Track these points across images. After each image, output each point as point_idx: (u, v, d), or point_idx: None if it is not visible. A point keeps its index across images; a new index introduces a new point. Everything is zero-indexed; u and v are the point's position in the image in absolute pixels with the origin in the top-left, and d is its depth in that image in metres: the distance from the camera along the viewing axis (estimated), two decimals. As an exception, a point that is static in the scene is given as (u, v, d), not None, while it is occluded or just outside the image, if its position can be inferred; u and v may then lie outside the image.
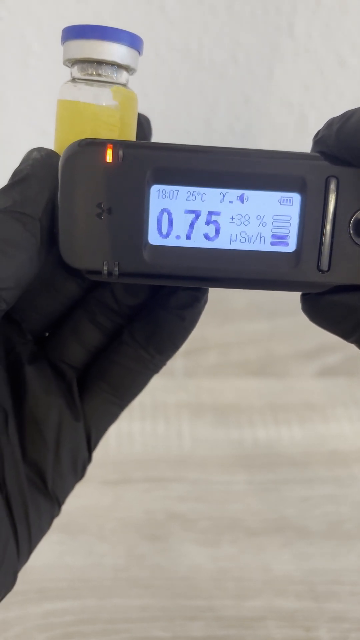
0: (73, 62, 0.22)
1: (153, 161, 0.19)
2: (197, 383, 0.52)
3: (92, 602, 0.36)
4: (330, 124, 0.19)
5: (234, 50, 0.49)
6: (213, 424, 0.48)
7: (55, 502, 0.24)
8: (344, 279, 0.20)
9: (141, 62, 0.50)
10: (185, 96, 0.51)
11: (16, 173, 0.20)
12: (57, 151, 0.22)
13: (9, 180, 0.20)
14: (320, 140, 0.19)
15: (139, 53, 0.23)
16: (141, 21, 0.47)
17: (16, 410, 0.23)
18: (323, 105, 0.52)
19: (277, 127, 0.53)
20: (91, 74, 0.22)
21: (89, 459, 0.25)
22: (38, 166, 0.20)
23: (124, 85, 0.23)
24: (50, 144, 0.23)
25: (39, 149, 0.21)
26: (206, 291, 0.22)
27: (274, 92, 0.51)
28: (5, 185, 0.20)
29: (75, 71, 0.22)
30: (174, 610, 0.36)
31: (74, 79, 0.22)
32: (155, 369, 0.24)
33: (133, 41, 0.22)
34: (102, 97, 0.22)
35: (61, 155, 0.19)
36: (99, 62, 0.22)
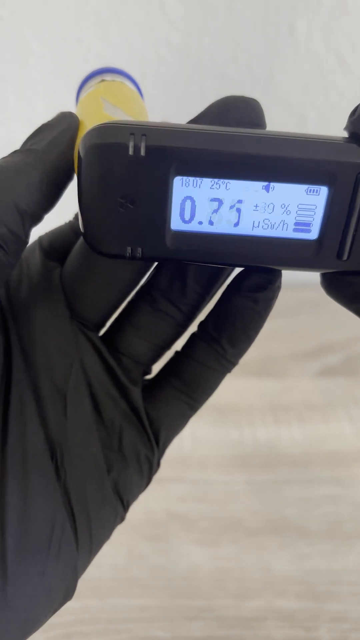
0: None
1: (176, 155, 0.18)
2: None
3: (92, 602, 0.36)
4: None
5: (234, 50, 0.49)
6: (213, 424, 0.48)
7: (118, 500, 0.22)
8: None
9: (141, 62, 0.50)
10: (185, 96, 0.51)
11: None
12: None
13: None
14: (357, 120, 0.19)
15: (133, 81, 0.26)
16: (141, 21, 0.47)
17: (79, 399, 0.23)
18: (323, 105, 0.52)
19: (277, 127, 0.53)
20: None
21: (157, 463, 0.24)
22: (54, 119, 0.21)
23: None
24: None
25: (62, 112, 0.22)
26: (280, 275, 0.22)
27: (274, 92, 0.51)
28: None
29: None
30: (174, 610, 0.36)
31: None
32: (228, 365, 0.23)
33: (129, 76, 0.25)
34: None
35: (80, 141, 0.19)
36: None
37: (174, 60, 0.49)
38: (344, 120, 0.19)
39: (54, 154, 0.20)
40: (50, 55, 0.48)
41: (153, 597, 0.37)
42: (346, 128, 0.19)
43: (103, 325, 0.24)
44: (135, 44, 0.48)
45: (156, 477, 0.25)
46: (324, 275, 0.21)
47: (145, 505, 0.41)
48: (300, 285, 0.55)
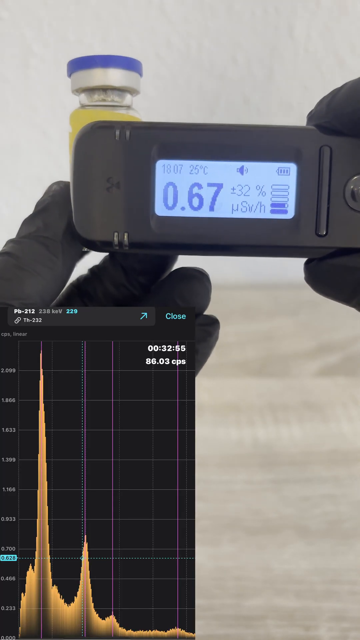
0: (81, 91, 0.24)
1: (158, 138, 0.20)
2: (197, 383, 0.51)
3: (92, 601, 0.36)
4: (321, 101, 0.20)
5: (234, 51, 0.49)
6: (213, 423, 0.48)
7: None
8: (342, 242, 0.21)
9: (141, 63, 0.50)
10: (185, 96, 0.51)
11: (39, 204, 0.22)
12: None
13: (33, 210, 0.22)
14: (313, 115, 0.21)
15: (140, 75, 0.25)
16: (141, 22, 0.47)
17: None
18: (322, 105, 0.52)
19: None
20: (96, 100, 0.24)
21: None
22: (58, 196, 0.22)
23: (127, 107, 0.25)
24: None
25: (58, 182, 0.23)
26: (218, 327, 0.23)
27: (273, 93, 0.51)
28: (29, 215, 0.22)
29: (83, 98, 0.24)
30: (174, 609, 0.36)
31: (82, 106, 0.24)
32: None
33: (133, 66, 0.24)
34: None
35: (74, 136, 0.21)
36: (103, 89, 0.24)
37: (174, 61, 0.49)
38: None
39: (72, 242, 0.21)
40: (51, 55, 0.48)
41: (153, 596, 0.37)
42: (306, 124, 0.21)
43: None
44: (136, 45, 0.48)
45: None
46: (308, 267, 0.22)
47: (145, 505, 0.41)
48: (300, 285, 0.55)
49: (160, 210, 0.21)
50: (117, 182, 0.20)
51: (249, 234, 0.21)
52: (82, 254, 0.23)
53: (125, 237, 0.21)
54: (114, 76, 0.24)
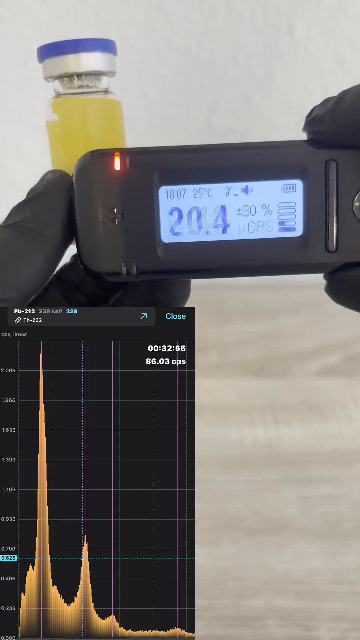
0: (54, 78, 0.23)
1: (158, 164, 0.20)
2: (197, 383, 0.51)
3: (92, 602, 0.36)
4: (326, 102, 0.19)
5: (234, 51, 0.49)
6: (213, 423, 0.48)
7: None
8: (353, 257, 0.20)
9: (141, 63, 0.50)
10: (185, 96, 0.51)
11: (30, 192, 0.21)
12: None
13: (25, 197, 0.21)
14: (314, 119, 0.20)
15: (114, 54, 0.24)
16: (141, 21, 0.47)
17: None
18: (323, 105, 0.52)
19: (277, 127, 0.54)
20: (72, 87, 0.23)
21: None
22: (51, 186, 0.21)
23: (104, 91, 0.24)
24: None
25: (54, 171, 0.22)
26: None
27: (273, 93, 0.51)
28: (19, 203, 0.21)
29: (57, 86, 0.23)
30: (174, 609, 0.36)
31: (58, 95, 0.23)
32: None
33: (106, 47, 0.23)
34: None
35: (73, 169, 0.21)
36: (77, 75, 0.23)
37: (174, 60, 0.49)
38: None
39: (58, 237, 0.21)
40: (51, 55, 0.48)
41: (153, 597, 0.37)
42: (304, 128, 0.21)
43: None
44: (135, 45, 0.48)
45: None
46: (330, 280, 0.21)
47: (145, 505, 0.41)
48: (300, 285, 0.55)
49: (166, 237, 0.21)
50: (121, 213, 0.20)
51: (258, 255, 0.21)
52: (67, 245, 0.22)
53: (134, 267, 0.20)
54: (87, 61, 0.22)
